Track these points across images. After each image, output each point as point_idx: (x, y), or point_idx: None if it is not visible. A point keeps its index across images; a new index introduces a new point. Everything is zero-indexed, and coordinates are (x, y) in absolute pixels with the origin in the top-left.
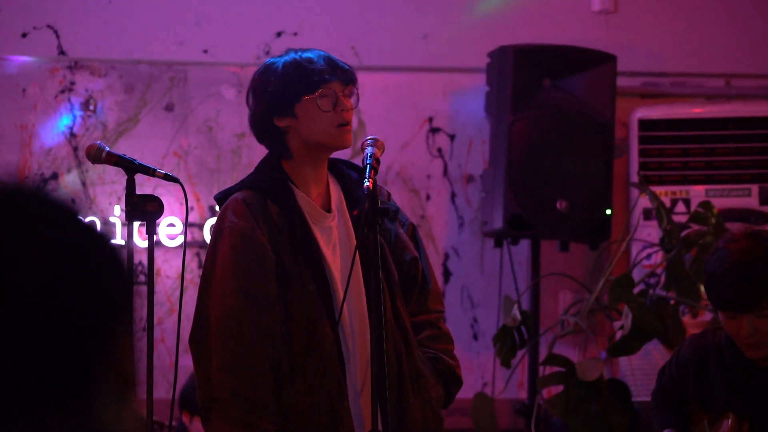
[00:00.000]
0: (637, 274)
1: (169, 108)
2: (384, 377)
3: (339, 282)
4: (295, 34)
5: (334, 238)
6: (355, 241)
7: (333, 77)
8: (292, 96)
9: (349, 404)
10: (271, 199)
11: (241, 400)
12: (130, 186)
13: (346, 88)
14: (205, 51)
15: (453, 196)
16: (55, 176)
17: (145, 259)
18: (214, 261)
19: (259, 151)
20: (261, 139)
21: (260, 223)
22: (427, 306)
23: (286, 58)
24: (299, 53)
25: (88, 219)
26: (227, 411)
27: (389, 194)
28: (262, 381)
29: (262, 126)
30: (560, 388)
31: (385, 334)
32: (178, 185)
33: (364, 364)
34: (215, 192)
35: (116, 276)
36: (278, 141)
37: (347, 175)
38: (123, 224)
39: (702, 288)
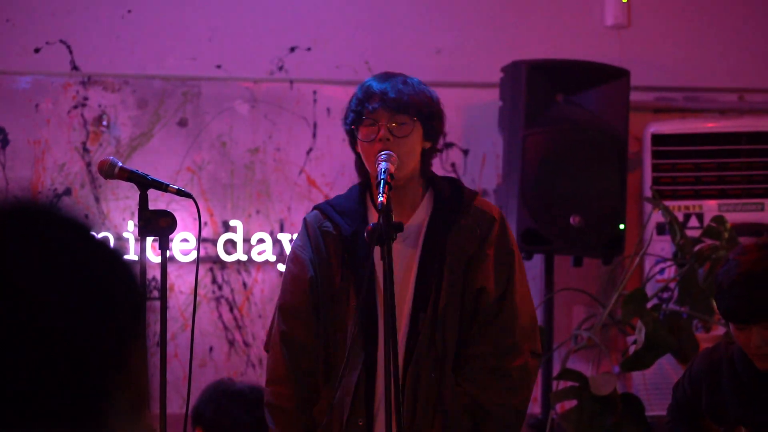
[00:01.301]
0: (650, 289)
1: (182, 123)
2: (400, 405)
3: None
4: (309, 48)
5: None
6: (416, 264)
7: (376, 105)
8: (353, 126)
9: (365, 424)
10: (329, 217)
11: (270, 409)
12: (143, 201)
13: (395, 116)
14: (219, 66)
15: None
16: (68, 192)
17: (158, 275)
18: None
19: (272, 167)
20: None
21: (312, 241)
22: (492, 339)
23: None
24: (369, 81)
25: (101, 235)
26: (268, 420)
27: (497, 220)
28: (288, 392)
29: (354, 152)
30: (574, 402)
31: (414, 358)
32: (191, 200)
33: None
34: (228, 207)
35: (128, 291)
36: (361, 165)
37: (442, 193)
38: (136, 240)
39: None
